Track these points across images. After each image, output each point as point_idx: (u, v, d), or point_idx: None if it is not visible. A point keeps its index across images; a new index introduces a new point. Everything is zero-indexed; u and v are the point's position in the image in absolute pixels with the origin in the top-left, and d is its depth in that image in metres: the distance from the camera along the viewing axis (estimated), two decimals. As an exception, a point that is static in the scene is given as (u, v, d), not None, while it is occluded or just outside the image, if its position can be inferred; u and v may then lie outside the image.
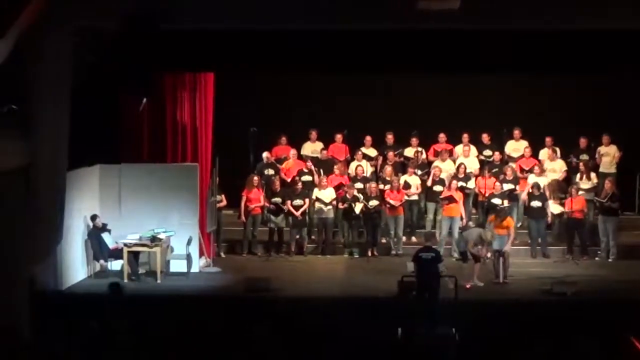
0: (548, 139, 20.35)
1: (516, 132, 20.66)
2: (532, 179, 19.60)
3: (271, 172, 20.13)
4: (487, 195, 19.39)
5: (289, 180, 20.09)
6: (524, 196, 19.63)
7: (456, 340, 14.26)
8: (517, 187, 19.83)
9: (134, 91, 15.90)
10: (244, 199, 19.42)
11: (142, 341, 13.98)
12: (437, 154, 20.60)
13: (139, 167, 18.34)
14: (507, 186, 19.56)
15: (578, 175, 19.81)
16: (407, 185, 19.66)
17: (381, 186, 19.75)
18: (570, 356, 13.43)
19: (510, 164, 20.23)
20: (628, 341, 13.88)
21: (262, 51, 15.98)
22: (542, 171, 19.81)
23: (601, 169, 20.14)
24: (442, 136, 20.78)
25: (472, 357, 13.95)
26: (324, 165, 20.32)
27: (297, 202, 19.52)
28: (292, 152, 20.54)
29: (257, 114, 20.75)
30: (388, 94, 21.07)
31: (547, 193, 19.49)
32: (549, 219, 19.34)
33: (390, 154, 20.40)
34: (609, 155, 20.24)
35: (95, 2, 14.31)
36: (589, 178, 19.71)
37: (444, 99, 20.97)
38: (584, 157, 20.26)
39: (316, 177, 20.06)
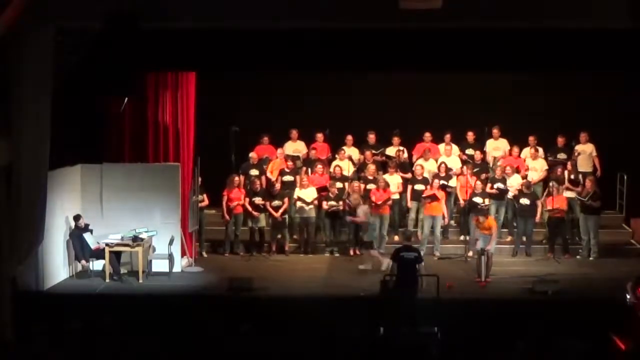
0: (531, 138, 20.37)
1: (495, 131, 20.70)
2: (515, 178, 19.67)
3: (256, 172, 20.10)
4: (468, 194, 19.42)
5: (274, 180, 20.07)
6: (514, 191, 19.65)
7: (438, 338, 14.32)
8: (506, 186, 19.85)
9: (116, 91, 15.86)
10: (225, 198, 19.38)
11: (124, 341, 13.99)
12: (423, 152, 20.58)
13: (121, 167, 18.30)
14: (499, 185, 19.59)
15: (566, 173, 19.80)
16: (386, 184, 19.65)
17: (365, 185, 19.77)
18: (551, 354, 13.50)
19: (499, 162, 20.25)
20: (609, 339, 13.97)
21: (244, 50, 15.99)
22: (527, 170, 19.89)
23: (578, 168, 20.15)
24: (427, 135, 20.80)
25: (455, 355, 14.00)
26: (310, 165, 20.33)
27: (276, 202, 19.50)
28: (279, 151, 20.55)
29: (239, 113, 20.73)
30: (370, 93, 21.07)
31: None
32: (538, 217, 19.41)
33: (368, 153, 20.42)
34: (585, 153, 20.31)
35: (77, 2, 14.29)
36: (574, 182, 19.71)
37: (428, 98, 20.98)
38: (562, 155, 20.31)
39: (298, 176, 20.05)
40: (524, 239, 19.43)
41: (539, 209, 19.36)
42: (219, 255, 19.62)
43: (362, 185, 19.62)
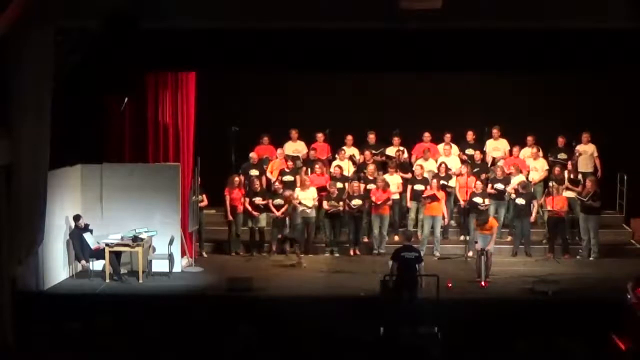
0: (529, 138, 20.40)
1: (494, 131, 20.69)
2: (519, 178, 19.65)
3: (256, 172, 20.09)
4: (468, 194, 19.41)
5: (274, 180, 20.06)
6: (510, 190, 19.62)
7: (439, 339, 14.31)
8: (507, 187, 19.82)
9: (116, 91, 15.85)
10: (227, 198, 19.39)
11: (124, 341, 13.99)
12: (423, 152, 20.57)
13: (121, 167, 18.29)
14: (498, 186, 19.60)
15: (566, 173, 19.79)
16: (386, 184, 19.63)
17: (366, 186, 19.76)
18: (551, 354, 13.50)
19: (499, 163, 20.24)
20: (609, 339, 13.98)
21: (244, 50, 15.98)
22: (528, 170, 19.92)
23: (579, 168, 20.16)
24: (427, 135, 20.78)
25: (455, 355, 14.00)
26: (310, 165, 20.32)
27: (278, 201, 19.49)
28: (279, 151, 20.54)
29: (239, 113, 20.71)
30: (371, 93, 21.06)
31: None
32: (533, 217, 19.39)
33: (367, 153, 20.41)
34: (586, 153, 20.30)
35: (77, 2, 14.28)
36: (574, 182, 19.71)
37: (428, 98, 20.98)
38: (562, 155, 20.32)
39: (298, 176, 20.04)
40: (523, 239, 19.43)
41: (535, 209, 19.35)
42: (219, 255, 19.61)
43: (362, 185, 19.63)
